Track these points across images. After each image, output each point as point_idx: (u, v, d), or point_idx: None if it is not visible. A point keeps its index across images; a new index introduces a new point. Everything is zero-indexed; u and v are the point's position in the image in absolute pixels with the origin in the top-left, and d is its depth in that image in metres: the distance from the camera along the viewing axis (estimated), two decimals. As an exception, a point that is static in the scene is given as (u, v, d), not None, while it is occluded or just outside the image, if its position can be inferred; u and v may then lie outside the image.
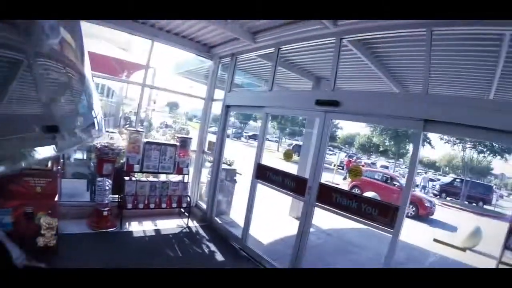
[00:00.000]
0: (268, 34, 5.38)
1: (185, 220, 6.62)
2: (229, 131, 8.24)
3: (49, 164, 5.03)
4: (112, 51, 8.24)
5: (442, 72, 5.48)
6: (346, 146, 37.12)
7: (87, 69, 1.49)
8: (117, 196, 6.09)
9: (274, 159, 11.71)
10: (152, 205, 6.14)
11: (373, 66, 5.78)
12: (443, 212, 13.78)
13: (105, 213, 5.80)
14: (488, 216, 14.14)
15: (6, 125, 0.88)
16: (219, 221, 6.63)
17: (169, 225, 6.40)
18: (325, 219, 6.00)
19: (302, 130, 33.26)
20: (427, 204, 12.62)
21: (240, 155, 9.42)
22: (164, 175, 6.53)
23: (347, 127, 37.38)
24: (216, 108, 7.23)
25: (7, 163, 0.85)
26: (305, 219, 4.62)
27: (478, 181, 20.84)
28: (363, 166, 21.24)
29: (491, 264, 6.64)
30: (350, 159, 24.18)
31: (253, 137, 35.85)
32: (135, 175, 6.18)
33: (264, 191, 5.74)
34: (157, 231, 6.12)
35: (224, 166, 7.07)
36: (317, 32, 4.72)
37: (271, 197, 6.34)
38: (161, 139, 7.01)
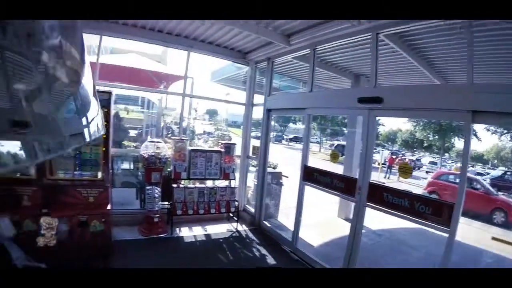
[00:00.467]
0: (302, 35, 5.29)
1: (234, 224, 6.67)
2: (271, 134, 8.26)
3: (99, 175, 5.25)
4: (148, 64, 8.51)
5: (487, 60, 5.16)
6: (389, 143, 35.68)
7: (87, 78, 1.47)
8: (166, 203, 6.24)
9: (317, 160, 11.54)
10: (201, 211, 6.21)
11: (412, 59, 5.53)
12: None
13: (155, 219, 5.96)
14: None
15: None
16: (268, 225, 6.62)
17: (219, 229, 6.47)
18: (375, 219, 5.83)
19: (343, 129, 32.55)
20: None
21: (282, 158, 9.41)
22: (211, 181, 6.64)
23: (388, 124, 36.01)
24: (257, 113, 7.28)
25: None
26: (356, 220, 4.50)
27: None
28: (407, 162, 20.06)
29: None
30: (394, 156, 23.02)
31: (294, 139, 35.45)
32: (183, 182, 6.31)
33: (310, 192, 5.65)
34: (208, 235, 6.19)
35: (269, 169, 7.07)
36: (351, 29, 4.59)
37: (318, 198, 6.27)
38: (204, 147, 7.15)
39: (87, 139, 1.40)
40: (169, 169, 6.26)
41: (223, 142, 6.74)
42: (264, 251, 5.68)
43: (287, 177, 7.24)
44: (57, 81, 1.16)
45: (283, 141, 37.69)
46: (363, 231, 4.59)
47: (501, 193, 15.94)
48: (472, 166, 25.42)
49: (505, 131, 22.41)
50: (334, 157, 5.73)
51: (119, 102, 8.89)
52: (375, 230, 7.38)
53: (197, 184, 6.51)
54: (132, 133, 9.31)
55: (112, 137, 5.48)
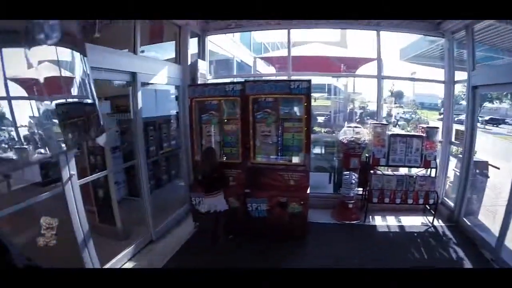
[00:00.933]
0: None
1: (430, 218, 5.95)
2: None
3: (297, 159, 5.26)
4: (331, 51, 8.45)
5: None
6: None
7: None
8: (361, 189, 6.03)
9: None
10: (398, 200, 5.81)
11: None
12: None
13: (350, 205, 5.90)
14: None
15: None
16: (468, 223, 5.74)
17: (413, 222, 5.91)
18: None
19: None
20: None
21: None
22: (406, 168, 6.13)
23: None
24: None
25: None
26: None
27: None
28: None
29: None
30: None
31: (491, 121, 30.09)
32: (379, 169, 5.95)
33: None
34: (401, 227, 5.75)
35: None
36: None
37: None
38: (399, 131, 6.63)
39: None
40: (366, 155, 5.96)
41: (424, 126, 6.07)
42: (460, 253, 4.87)
43: (498, 168, 6.15)
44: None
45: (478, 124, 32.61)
46: None
47: None
48: None
49: None
50: None
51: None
52: None
53: (395, 172, 6.06)
54: (320, 119, 9.41)
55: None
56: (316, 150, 7.39)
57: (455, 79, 6.30)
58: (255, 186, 5.21)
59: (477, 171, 6.10)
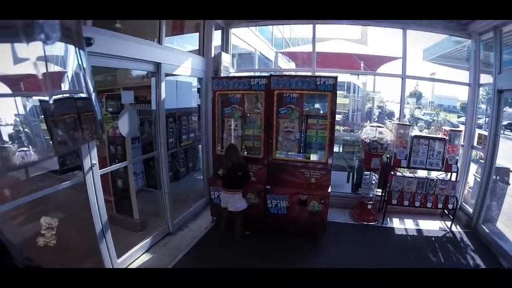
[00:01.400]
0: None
1: (448, 223, 5.86)
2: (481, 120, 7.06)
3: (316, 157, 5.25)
4: (353, 48, 8.37)
5: None
6: None
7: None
8: (381, 190, 5.95)
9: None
10: (417, 203, 5.70)
11: None
12: None
13: (369, 206, 5.84)
14: None
15: None
16: (486, 230, 5.65)
17: (431, 226, 5.81)
18: None
19: None
20: None
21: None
22: (426, 171, 6.04)
23: None
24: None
25: None
26: None
27: None
28: None
29: None
30: None
31: (510, 127, 29.21)
32: (400, 171, 5.88)
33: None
34: (419, 231, 5.65)
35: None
36: None
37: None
38: (420, 133, 6.54)
39: None
40: (387, 156, 5.88)
41: (447, 128, 5.98)
42: (478, 261, 4.77)
43: (520, 174, 6.08)
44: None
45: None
46: None
47: None
48: None
49: None
50: None
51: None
52: None
53: (416, 174, 5.97)
54: (338, 117, 9.36)
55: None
56: (335, 148, 7.32)
57: (480, 82, 6.20)
58: (276, 183, 5.16)
59: (498, 177, 6.02)
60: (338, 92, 5.11)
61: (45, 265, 0.94)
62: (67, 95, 0.80)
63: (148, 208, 5.25)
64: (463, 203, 6.26)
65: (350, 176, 6.96)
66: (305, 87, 5.01)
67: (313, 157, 5.35)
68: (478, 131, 6.17)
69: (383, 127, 5.78)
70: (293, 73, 7.28)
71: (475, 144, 6.07)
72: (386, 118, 8.84)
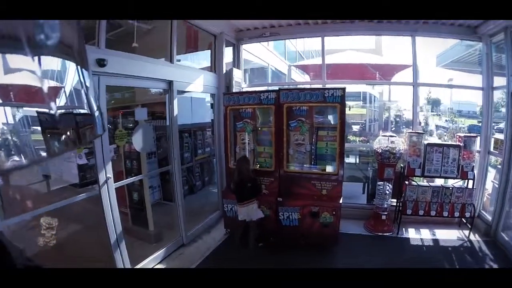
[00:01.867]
0: None
1: (466, 232, 5.67)
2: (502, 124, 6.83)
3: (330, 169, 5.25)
4: (365, 58, 8.41)
5: None
6: None
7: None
8: (395, 200, 5.89)
9: None
10: (433, 212, 5.58)
11: None
12: None
13: (383, 217, 5.76)
14: None
15: None
16: (506, 238, 5.45)
17: (448, 236, 5.65)
18: None
19: None
20: None
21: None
22: (441, 179, 5.90)
23: None
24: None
25: None
26: None
27: None
28: None
29: None
30: None
31: None
32: (414, 180, 5.81)
33: None
34: (435, 241, 5.51)
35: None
36: None
37: None
38: (436, 141, 6.46)
39: None
40: (401, 165, 5.84)
41: (461, 134, 5.87)
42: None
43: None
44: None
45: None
46: None
47: None
48: None
49: None
50: None
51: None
52: None
53: (431, 183, 5.88)
54: (355, 128, 9.36)
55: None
56: (351, 159, 7.35)
57: (494, 85, 6.05)
58: (288, 195, 5.22)
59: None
60: (354, 103, 5.16)
61: (47, 265, 0.95)
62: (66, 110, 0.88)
63: (163, 220, 5.39)
64: (481, 211, 6.06)
65: (365, 187, 6.91)
66: (313, 100, 5.08)
67: (324, 169, 5.38)
68: (498, 135, 5.99)
69: (395, 136, 5.72)
70: (302, 86, 7.37)
71: (491, 149, 5.92)
72: (404, 126, 8.74)
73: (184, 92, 5.46)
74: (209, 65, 6.36)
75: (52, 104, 0.66)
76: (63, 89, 0.77)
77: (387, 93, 9.85)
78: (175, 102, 4.96)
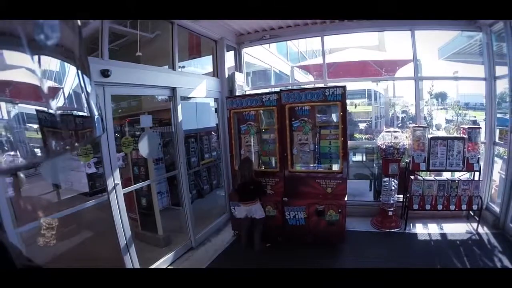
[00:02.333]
0: None
1: (474, 225, 5.65)
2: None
3: (336, 167, 5.33)
4: (368, 55, 8.40)
5: None
6: None
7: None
8: (401, 196, 5.90)
9: None
10: (439, 206, 5.57)
11: None
12: None
13: (390, 213, 5.75)
14: None
15: None
16: None
17: (456, 229, 5.61)
18: None
19: None
20: None
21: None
22: (450, 172, 5.86)
23: None
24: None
25: None
26: None
27: None
28: None
29: None
30: None
31: None
32: (420, 174, 5.82)
33: None
34: (443, 235, 5.47)
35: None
36: None
37: None
38: (443, 134, 6.42)
39: None
40: (406, 160, 5.86)
41: (466, 126, 5.85)
42: (506, 262, 4.55)
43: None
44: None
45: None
46: None
47: None
48: None
49: None
50: None
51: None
52: None
53: (436, 177, 5.86)
54: (361, 126, 9.31)
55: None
56: (357, 157, 7.36)
57: (496, 75, 6.01)
58: (293, 194, 5.28)
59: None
60: (360, 100, 5.17)
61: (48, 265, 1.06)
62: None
63: (172, 225, 5.49)
64: (489, 203, 6.02)
65: (372, 184, 6.94)
66: (314, 99, 5.13)
67: (328, 167, 5.44)
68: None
69: (398, 131, 5.72)
70: (303, 86, 7.41)
71: (497, 140, 5.88)
72: (410, 122, 8.69)
73: (188, 98, 5.55)
74: (211, 70, 6.46)
75: (51, 104, 0.68)
76: (61, 90, 0.81)
77: (392, 89, 9.84)
78: (179, 108, 5.06)
